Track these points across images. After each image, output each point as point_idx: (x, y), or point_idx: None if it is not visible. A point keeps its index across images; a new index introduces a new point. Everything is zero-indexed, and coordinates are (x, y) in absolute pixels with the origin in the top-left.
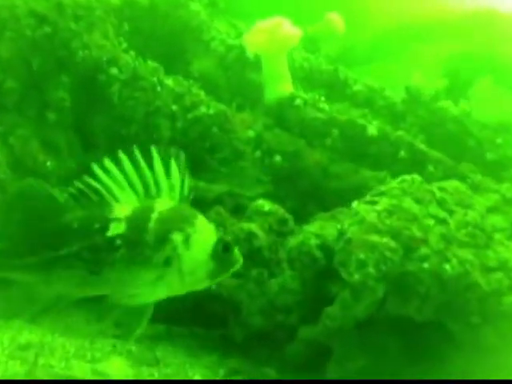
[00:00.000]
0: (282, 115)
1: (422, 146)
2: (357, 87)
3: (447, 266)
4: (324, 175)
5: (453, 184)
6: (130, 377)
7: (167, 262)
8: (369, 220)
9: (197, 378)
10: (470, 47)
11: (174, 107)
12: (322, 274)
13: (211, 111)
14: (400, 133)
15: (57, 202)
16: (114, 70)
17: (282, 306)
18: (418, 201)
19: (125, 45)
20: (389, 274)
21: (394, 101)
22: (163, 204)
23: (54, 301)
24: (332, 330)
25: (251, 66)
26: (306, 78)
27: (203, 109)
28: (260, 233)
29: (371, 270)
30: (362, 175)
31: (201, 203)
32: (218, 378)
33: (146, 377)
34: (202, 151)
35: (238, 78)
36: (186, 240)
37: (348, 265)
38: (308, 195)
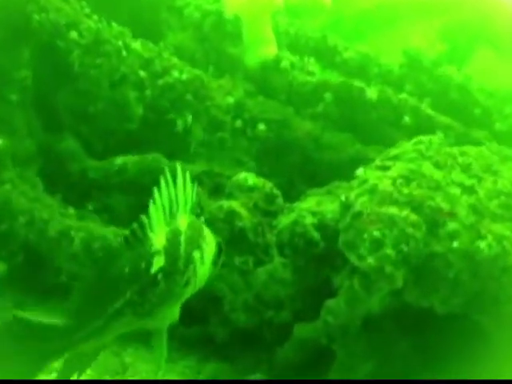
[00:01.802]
0: (265, 80)
1: (429, 111)
2: (348, 54)
3: (482, 245)
4: (316, 147)
5: (474, 148)
6: None
7: (187, 283)
8: (382, 188)
9: None
10: (463, 22)
11: (142, 73)
12: (321, 260)
13: (184, 76)
14: (403, 96)
15: (113, 249)
16: (73, 34)
17: (272, 301)
18: (438, 166)
19: (87, 10)
20: (410, 256)
21: (391, 68)
22: (183, 222)
23: (99, 349)
24: (335, 329)
25: (231, 37)
26: (290, 44)
27: (175, 74)
28: (243, 211)
29: (389, 251)
30: (360, 146)
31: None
32: None
33: None
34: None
35: (216, 52)
36: (202, 256)
37: (358, 246)
38: (297, 171)
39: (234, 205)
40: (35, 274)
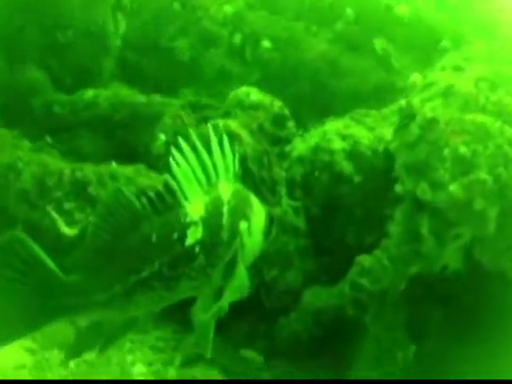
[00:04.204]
0: None
1: (471, 37)
2: None
3: None
4: (331, 72)
5: None
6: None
7: (234, 257)
8: (462, 90)
9: (138, 368)
10: None
11: None
12: (351, 202)
13: None
14: (440, 16)
15: (136, 210)
16: None
17: (277, 256)
18: None
19: None
20: (508, 187)
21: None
22: (225, 190)
23: (126, 327)
24: (370, 295)
25: None
26: None
27: None
28: (244, 134)
29: (484, 175)
30: (386, 71)
31: (153, 118)
32: (171, 368)
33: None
34: (158, 39)
35: None
36: (249, 227)
37: (434, 167)
38: (308, 100)
39: (233, 125)
40: None
